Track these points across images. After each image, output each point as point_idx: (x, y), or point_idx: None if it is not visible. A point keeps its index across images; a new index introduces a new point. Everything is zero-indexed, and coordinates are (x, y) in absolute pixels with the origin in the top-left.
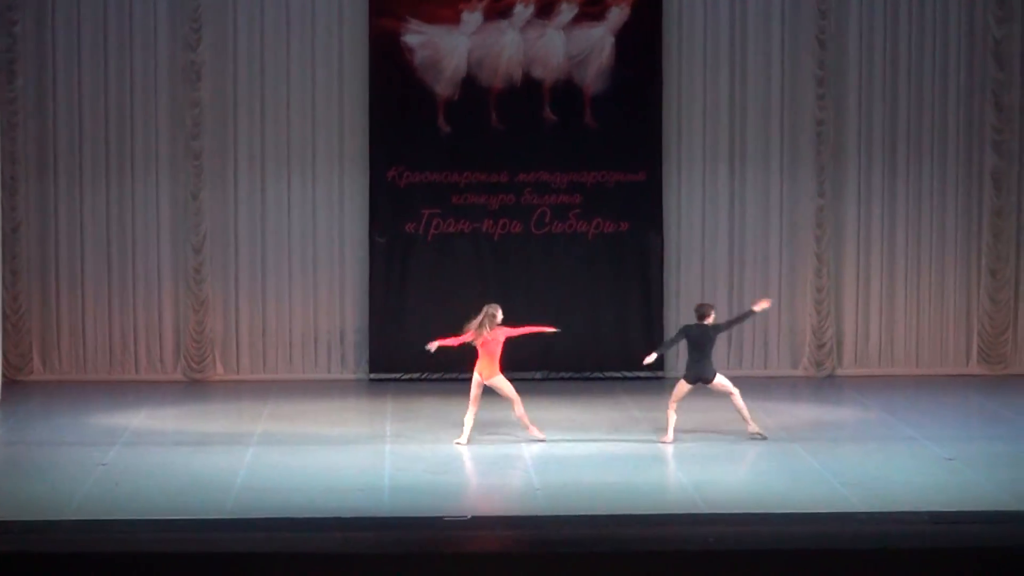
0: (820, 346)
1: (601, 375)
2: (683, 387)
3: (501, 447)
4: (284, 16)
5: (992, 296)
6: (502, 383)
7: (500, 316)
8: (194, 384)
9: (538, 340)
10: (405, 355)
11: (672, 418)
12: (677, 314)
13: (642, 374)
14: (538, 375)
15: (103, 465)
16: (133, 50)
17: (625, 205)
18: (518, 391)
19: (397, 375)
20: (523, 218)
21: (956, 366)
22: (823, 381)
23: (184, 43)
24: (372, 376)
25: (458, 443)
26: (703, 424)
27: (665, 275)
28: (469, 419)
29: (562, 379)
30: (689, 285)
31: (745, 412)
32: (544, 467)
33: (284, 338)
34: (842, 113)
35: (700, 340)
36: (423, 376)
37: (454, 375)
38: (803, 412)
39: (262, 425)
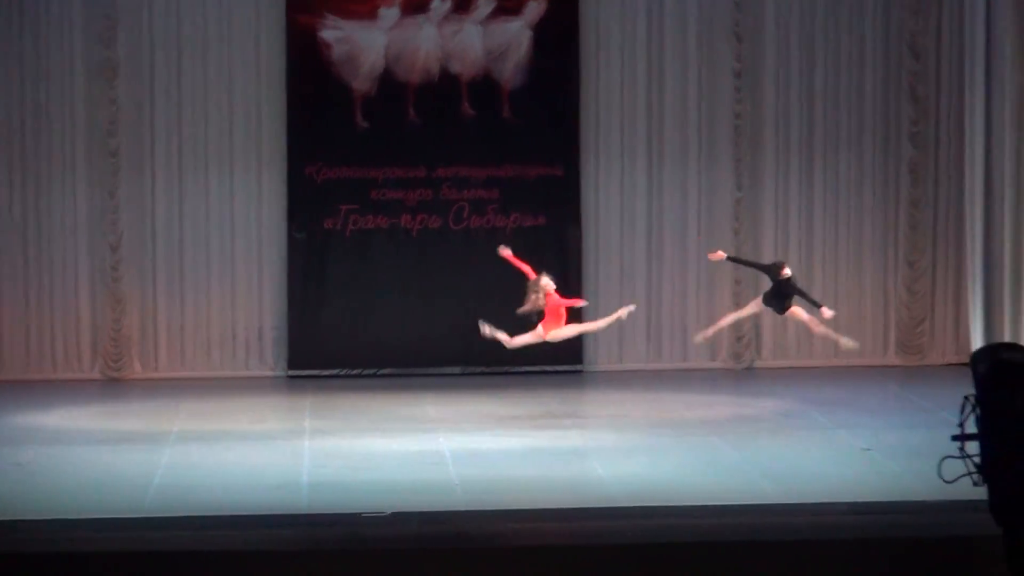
0: (738, 338)
1: (520, 369)
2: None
3: (420, 443)
4: (200, 12)
5: (909, 287)
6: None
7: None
8: (112, 382)
9: (457, 332)
10: (324, 351)
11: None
12: (595, 307)
13: (561, 368)
14: (457, 370)
15: (19, 465)
16: (49, 48)
17: (543, 199)
18: (437, 387)
19: (316, 372)
20: (441, 213)
21: (874, 357)
22: (742, 373)
23: (99, 40)
24: (291, 373)
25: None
26: (620, 418)
27: (583, 268)
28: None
29: (481, 374)
30: (608, 278)
31: (831, 334)
32: (463, 462)
33: (202, 335)
34: (759, 106)
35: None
36: (342, 372)
37: (373, 371)
38: (722, 404)
39: (180, 423)
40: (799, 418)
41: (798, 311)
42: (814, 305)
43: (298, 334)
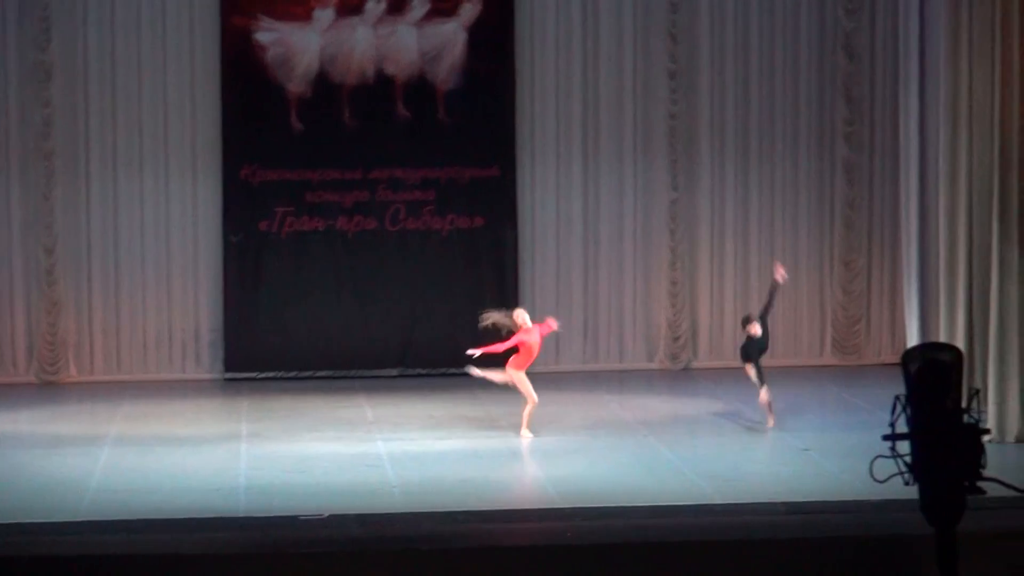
0: (675, 339)
1: (457, 371)
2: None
3: (358, 445)
4: (135, 14)
5: (845, 287)
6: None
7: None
8: (47, 386)
9: (395, 334)
10: (261, 354)
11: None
12: (533, 308)
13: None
14: (394, 372)
15: None
16: None
17: (479, 200)
18: (374, 389)
19: (253, 374)
20: (377, 215)
21: (810, 357)
22: (679, 374)
23: (33, 43)
24: (227, 375)
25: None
26: (558, 419)
27: (520, 270)
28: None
29: (418, 376)
30: (544, 279)
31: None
32: (401, 464)
33: (138, 338)
34: (695, 106)
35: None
36: (279, 375)
37: (309, 374)
38: (659, 405)
39: (117, 426)
40: (736, 418)
41: (750, 371)
42: (759, 381)
43: (234, 337)
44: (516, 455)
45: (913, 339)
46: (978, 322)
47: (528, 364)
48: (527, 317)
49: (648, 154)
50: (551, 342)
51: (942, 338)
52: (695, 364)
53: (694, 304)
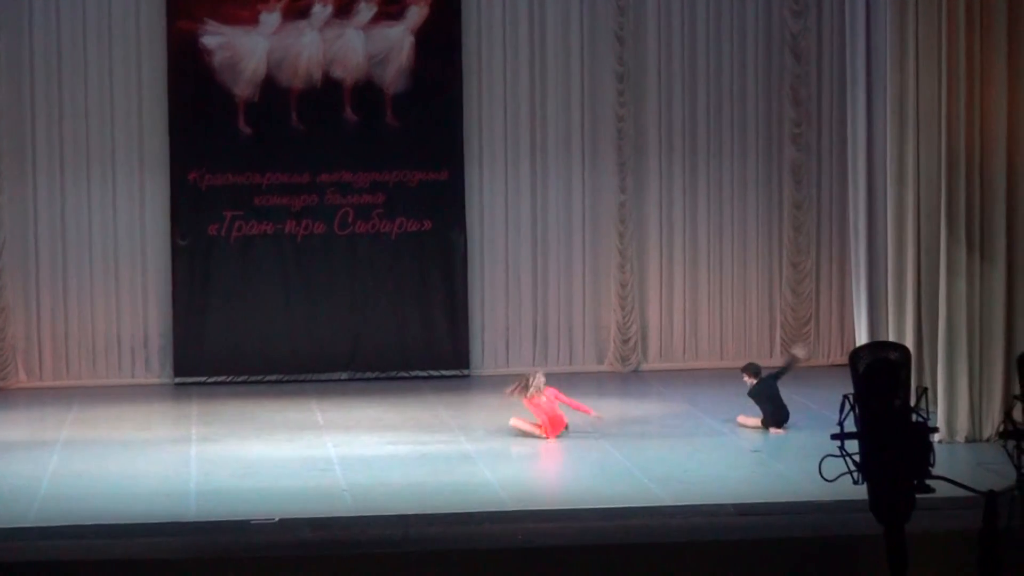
0: (625, 341)
1: (407, 374)
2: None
3: (308, 449)
4: (80, 18)
5: (794, 288)
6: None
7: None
8: None
9: (344, 338)
10: (210, 358)
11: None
12: (481, 312)
13: (447, 372)
14: (344, 375)
15: None
16: None
17: (428, 204)
18: (324, 392)
19: (202, 378)
20: (326, 219)
21: (760, 358)
22: (628, 376)
23: None
24: (177, 380)
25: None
26: (507, 422)
27: (469, 273)
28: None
29: (368, 379)
30: (493, 282)
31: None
32: (351, 468)
33: (87, 343)
34: (642, 109)
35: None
36: (228, 379)
37: (259, 378)
38: (609, 407)
39: (66, 431)
40: (686, 420)
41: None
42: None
43: (184, 341)
44: (466, 458)
45: (862, 339)
46: (927, 322)
47: (559, 429)
48: (542, 381)
49: (596, 156)
50: (500, 344)
51: (891, 338)
52: (644, 366)
53: (643, 306)
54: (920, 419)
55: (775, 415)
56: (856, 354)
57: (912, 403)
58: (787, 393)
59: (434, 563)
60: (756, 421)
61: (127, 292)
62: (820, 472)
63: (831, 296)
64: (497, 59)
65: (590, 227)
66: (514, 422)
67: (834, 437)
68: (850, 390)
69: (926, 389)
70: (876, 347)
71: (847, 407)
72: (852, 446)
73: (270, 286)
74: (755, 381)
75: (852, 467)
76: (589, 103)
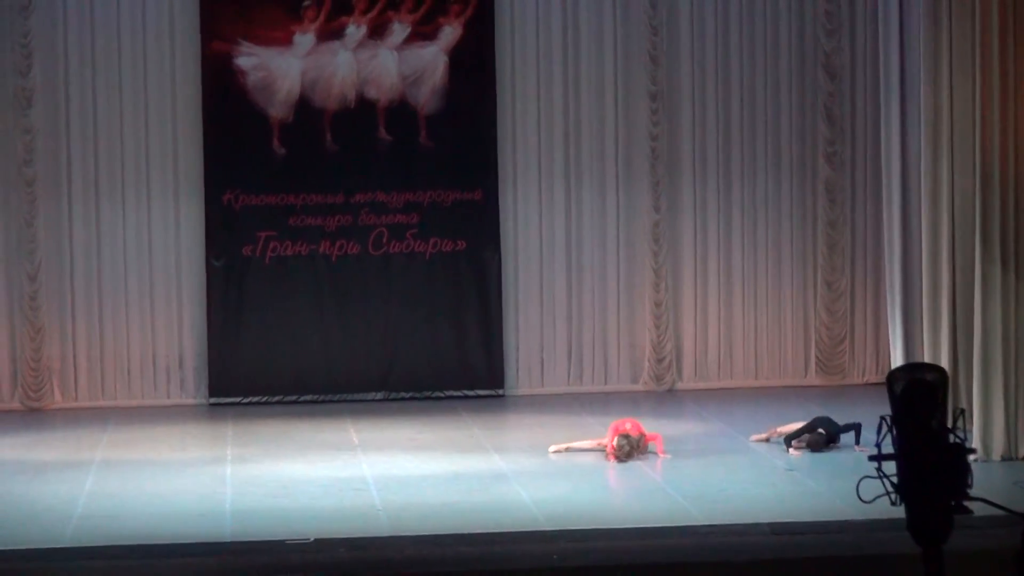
0: (659, 360)
1: (442, 394)
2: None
3: (343, 469)
4: (115, 40)
5: (828, 307)
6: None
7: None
8: (32, 412)
9: (379, 358)
10: (245, 379)
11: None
12: (516, 332)
13: (482, 392)
14: (378, 395)
15: None
16: None
17: (462, 224)
18: (359, 413)
19: (237, 399)
20: (360, 239)
21: (794, 377)
22: (663, 395)
23: (14, 69)
24: (212, 400)
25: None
26: (543, 441)
27: (503, 293)
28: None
29: (402, 399)
30: (528, 302)
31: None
32: (386, 487)
33: (122, 364)
34: (676, 128)
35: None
36: (263, 399)
37: (294, 398)
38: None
39: (101, 452)
40: (720, 439)
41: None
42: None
43: (218, 361)
44: (501, 477)
45: (897, 359)
46: (962, 341)
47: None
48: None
49: (630, 175)
50: (535, 364)
51: (926, 357)
52: (679, 386)
53: (678, 325)
54: (958, 440)
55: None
56: (893, 375)
57: (949, 424)
58: (822, 412)
59: None
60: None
61: (162, 313)
62: (858, 494)
63: (866, 315)
64: (531, 79)
65: (624, 246)
66: (555, 448)
67: (872, 459)
68: (884, 410)
69: (963, 410)
70: (913, 368)
71: (884, 428)
72: (890, 467)
73: (304, 306)
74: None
75: (890, 488)
76: (623, 122)
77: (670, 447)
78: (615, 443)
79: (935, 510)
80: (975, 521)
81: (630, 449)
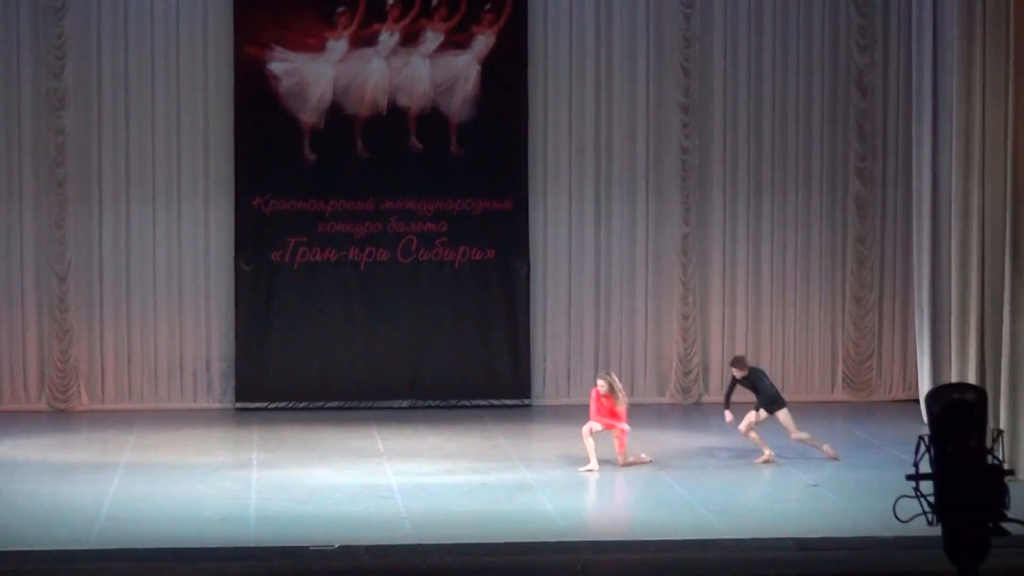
0: (686, 373)
1: (468, 403)
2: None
3: (369, 476)
4: (148, 43)
5: (856, 323)
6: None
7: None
8: (59, 414)
9: (405, 366)
10: (271, 384)
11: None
12: (543, 342)
13: (508, 402)
14: (405, 403)
15: None
16: None
17: (492, 232)
18: (385, 420)
19: (263, 404)
20: (390, 246)
21: (821, 392)
22: (689, 408)
23: (48, 70)
24: (238, 405)
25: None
26: (569, 452)
27: (531, 302)
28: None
29: (429, 407)
30: (556, 312)
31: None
32: (411, 495)
33: (150, 367)
34: (707, 140)
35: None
36: (289, 405)
37: (320, 404)
38: (670, 439)
39: (127, 455)
40: (746, 453)
41: (783, 417)
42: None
43: (245, 366)
44: (526, 487)
45: (925, 375)
46: (990, 358)
47: (603, 421)
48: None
49: (660, 188)
50: (561, 375)
51: (954, 374)
52: (706, 399)
53: (705, 338)
54: (995, 461)
55: (766, 400)
56: (931, 396)
57: (988, 445)
58: (848, 428)
59: None
60: (750, 420)
61: (190, 316)
62: (895, 513)
63: (894, 331)
64: (563, 89)
65: (653, 258)
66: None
67: (910, 478)
68: (912, 426)
69: (1001, 432)
70: (952, 388)
71: (922, 448)
72: (927, 487)
73: (332, 313)
74: (745, 373)
75: (927, 508)
76: (654, 135)
77: (695, 461)
78: (599, 387)
79: (972, 531)
80: (1011, 541)
81: (609, 388)
